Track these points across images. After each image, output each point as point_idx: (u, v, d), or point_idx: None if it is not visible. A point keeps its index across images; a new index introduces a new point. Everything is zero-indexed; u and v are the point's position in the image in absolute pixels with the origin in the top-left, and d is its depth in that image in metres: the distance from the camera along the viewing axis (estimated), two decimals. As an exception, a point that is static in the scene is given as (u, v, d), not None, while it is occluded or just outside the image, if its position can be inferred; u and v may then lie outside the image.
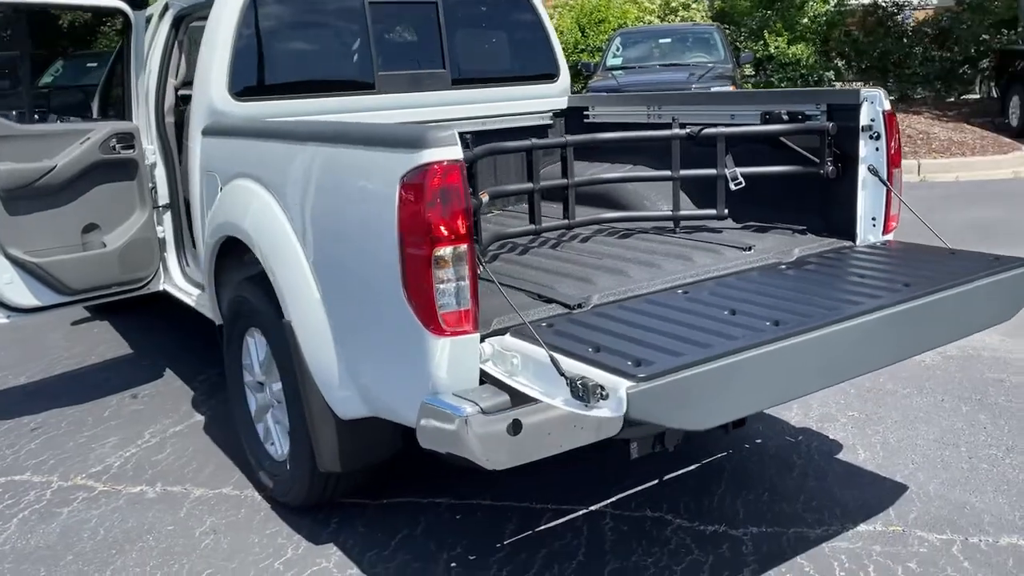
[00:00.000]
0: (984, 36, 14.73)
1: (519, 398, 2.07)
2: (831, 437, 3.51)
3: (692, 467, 3.31)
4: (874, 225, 3.06)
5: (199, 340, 5.07)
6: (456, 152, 2.08)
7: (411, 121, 3.74)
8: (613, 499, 3.10)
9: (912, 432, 3.52)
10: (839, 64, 15.24)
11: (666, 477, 3.24)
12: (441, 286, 2.08)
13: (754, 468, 3.28)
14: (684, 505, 3.03)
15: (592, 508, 3.05)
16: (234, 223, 2.98)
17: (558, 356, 1.97)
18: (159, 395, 4.33)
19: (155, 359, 4.86)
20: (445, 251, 2.07)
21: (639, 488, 3.16)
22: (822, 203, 3.20)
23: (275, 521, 3.07)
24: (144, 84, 4.17)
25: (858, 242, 3.07)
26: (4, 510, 3.27)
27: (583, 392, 1.85)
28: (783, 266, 2.84)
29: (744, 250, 2.99)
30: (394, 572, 2.73)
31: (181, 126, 4.37)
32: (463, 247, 2.09)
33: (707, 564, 2.68)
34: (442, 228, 2.06)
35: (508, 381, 2.12)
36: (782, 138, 3.25)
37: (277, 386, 3.05)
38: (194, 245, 4.21)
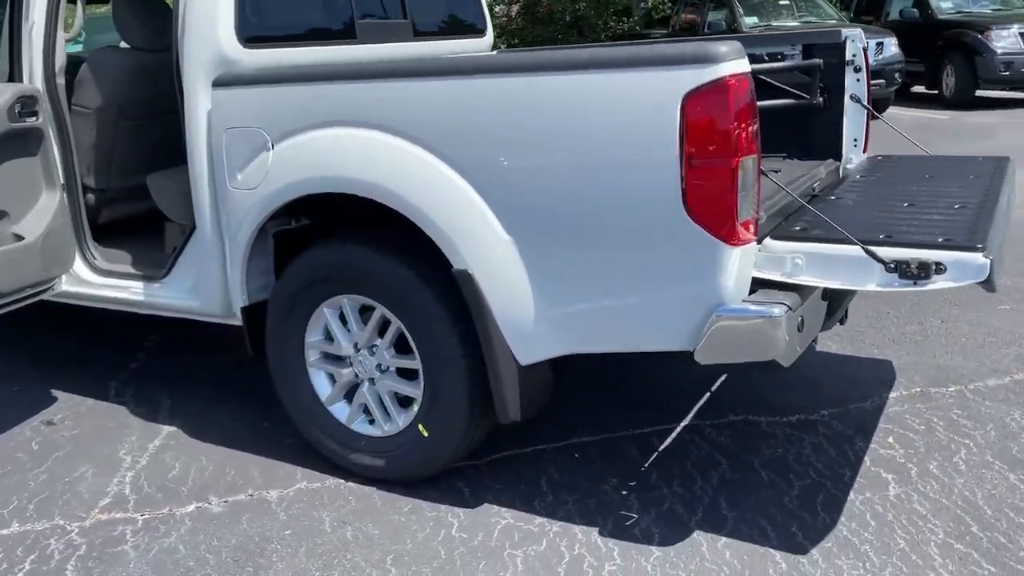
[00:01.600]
0: (610, 23, 16.89)
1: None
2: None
3: (722, 376, 3.66)
4: (855, 145, 3.64)
5: (100, 345, 4.24)
6: (746, 64, 2.17)
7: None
8: (691, 415, 3.34)
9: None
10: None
11: (714, 388, 3.56)
12: (741, 195, 2.16)
13: (776, 370, 3.72)
14: (753, 407, 3.37)
15: (684, 424, 3.26)
16: (340, 176, 2.65)
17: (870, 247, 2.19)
18: (87, 416, 3.58)
19: (46, 376, 3.96)
20: (745, 160, 2.16)
21: (699, 404, 3.44)
22: (804, 131, 3.71)
23: (401, 500, 2.82)
24: (29, 37, 3.38)
25: (843, 162, 3.63)
26: (35, 569, 2.56)
27: (917, 271, 2.10)
28: (855, 177, 3.29)
29: (775, 172, 3.39)
30: (577, 509, 2.71)
31: (71, 89, 3.63)
32: (754, 156, 2.19)
33: (822, 445, 3.06)
34: (742, 138, 2.14)
35: (791, 281, 2.28)
36: (764, 76, 3.69)
37: (386, 355, 2.80)
38: (91, 231, 3.57)
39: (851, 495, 2.73)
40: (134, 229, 4.03)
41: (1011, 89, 12.65)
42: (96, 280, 3.56)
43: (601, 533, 2.59)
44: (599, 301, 2.40)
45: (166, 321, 4.48)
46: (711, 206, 2.18)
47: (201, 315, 3.32)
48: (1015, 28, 12.20)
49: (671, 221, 2.23)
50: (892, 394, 3.44)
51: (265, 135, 2.83)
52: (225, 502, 2.87)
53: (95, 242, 3.68)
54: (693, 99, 2.15)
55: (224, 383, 3.84)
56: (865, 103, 3.58)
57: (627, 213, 2.28)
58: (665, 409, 3.38)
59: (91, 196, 3.77)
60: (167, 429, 3.43)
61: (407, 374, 2.86)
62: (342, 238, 2.81)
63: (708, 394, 3.51)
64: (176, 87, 3.08)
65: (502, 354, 2.54)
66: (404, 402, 2.89)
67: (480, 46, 4.33)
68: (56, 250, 3.35)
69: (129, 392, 3.80)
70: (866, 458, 2.96)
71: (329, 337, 2.98)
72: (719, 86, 2.14)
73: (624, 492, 2.81)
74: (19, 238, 3.21)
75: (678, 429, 3.23)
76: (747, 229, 2.24)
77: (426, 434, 2.76)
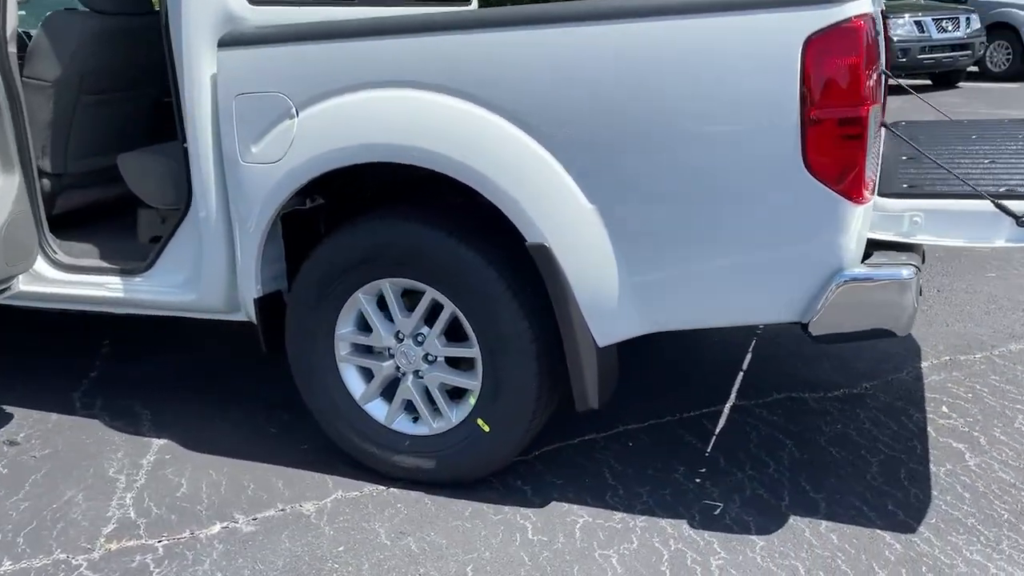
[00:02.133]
0: None
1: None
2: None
3: (748, 356, 3.53)
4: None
5: (46, 354, 3.74)
6: (868, 4, 2.00)
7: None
8: (733, 395, 3.18)
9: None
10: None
11: (744, 367, 3.41)
12: (868, 147, 1.99)
13: (797, 347, 3.61)
14: (793, 384, 3.25)
15: (730, 405, 3.10)
16: (390, 144, 2.34)
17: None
18: (55, 432, 3.13)
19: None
20: (874, 109, 1.99)
21: (737, 384, 3.29)
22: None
23: (457, 504, 2.54)
24: (-26, -4, 2.91)
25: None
26: (44, 612, 2.16)
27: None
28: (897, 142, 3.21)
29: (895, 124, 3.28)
30: (654, 501, 2.50)
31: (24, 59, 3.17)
32: (878, 106, 2.03)
33: (879, 418, 2.96)
34: (868, 85, 1.97)
35: (906, 240, 2.13)
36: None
37: (437, 343, 2.51)
38: (48, 219, 3.14)
39: (932, 468, 2.62)
40: (91, 219, 3.58)
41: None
42: (59, 277, 3.11)
43: (692, 525, 2.39)
44: (696, 270, 2.19)
45: (118, 322, 4.04)
46: (836, 159, 2.01)
47: (195, 311, 2.93)
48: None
49: (787, 176, 2.05)
50: (923, 364, 3.38)
51: (287, 101, 2.48)
52: (254, 520, 2.52)
53: (52, 234, 3.22)
54: (816, 43, 1.97)
55: (207, 388, 3.44)
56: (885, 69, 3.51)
57: (735, 169, 2.08)
58: (700, 392, 3.21)
59: (46, 182, 3.31)
60: (157, 442, 3.02)
61: (457, 365, 2.58)
62: (385, 214, 2.49)
63: (741, 373, 3.36)
64: (166, 50, 2.69)
65: (582, 335, 2.30)
66: (454, 395, 2.61)
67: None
68: (19, 242, 2.89)
69: (97, 403, 3.36)
70: (928, 429, 2.87)
71: (364, 328, 2.66)
72: (844, 29, 1.96)
73: (697, 480, 2.62)
74: (-22, 228, 2.75)
75: (726, 410, 3.06)
76: (867, 186, 2.07)
77: (487, 429, 2.49)
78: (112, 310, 3.12)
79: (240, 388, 3.42)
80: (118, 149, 3.47)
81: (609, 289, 2.26)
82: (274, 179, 2.53)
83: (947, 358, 3.43)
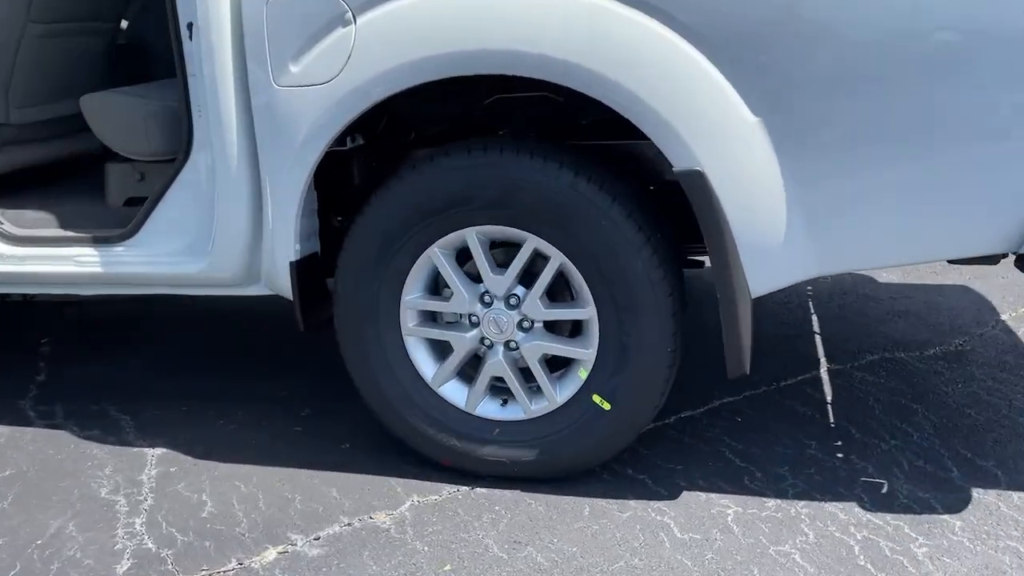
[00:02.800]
0: None
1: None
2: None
3: (813, 318, 3.18)
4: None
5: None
6: None
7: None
8: (823, 360, 2.82)
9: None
10: None
11: (816, 330, 3.07)
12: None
13: (861, 308, 3.29)
14: (877, 344, 2.92)
15: (825, 370, 2.74)
16: (496, 51, 1.82)
17: None
18: (14, 449, 2.47)
19: None
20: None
21: (821, 348, 2.93)
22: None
23: (566, 501, 2.07)
24: None
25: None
26: None
27: None
28: None
29: None
30: (804, 484, 2.09)
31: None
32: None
33: (997, 374, 2.65)
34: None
35: None
36: None
37: (539, 305, 2.03)
38: None
39: (1089, 422, 2.33)
40: (39, 182, 2.90)
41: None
42: (12, 252, 2.46)
43: (865, 508, 2.00)
44: (896, 197, 1.79)
45: (48, 314, 3.37)
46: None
47: (200, 285, 2.35)
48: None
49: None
50: (1004, 316, 3.11)
51: (342, 3, 1.94)
52: (317, 539, 1.97)
53: (-6, 201, 2.55)
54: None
55: (189, 385, 2.83)
56: None
57: (954, 69, 1.69)
58: (784, 358, 2.83)
59: (-17, 135, 2.63)
60: (152, 452, 2.41)
61: (554, 331, 2.11)
62: (476, 146, 1.98)
63: (818, 337, 3.01)
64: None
65: (739, 283, 1.86)
66: (553, 369, 2.13)
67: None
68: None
69: (58, 411, 2.70)
70: (1056, 383, 2.58)
71: (434, 291, 2.15)
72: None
73: (839, 455, 2.23)
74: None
75: (825, 375, 2.69)
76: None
77: (607, 407, 2.02)
78: (85, 290, 2.48)
79: (232, 383, 2.82)
80: (70, 96, 2.81)
81: (776, 225, 1.84)
82: (325, 105, 1.98)
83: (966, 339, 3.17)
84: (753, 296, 1.90)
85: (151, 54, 3.30)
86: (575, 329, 2.11)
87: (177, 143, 2.35)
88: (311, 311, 2.25)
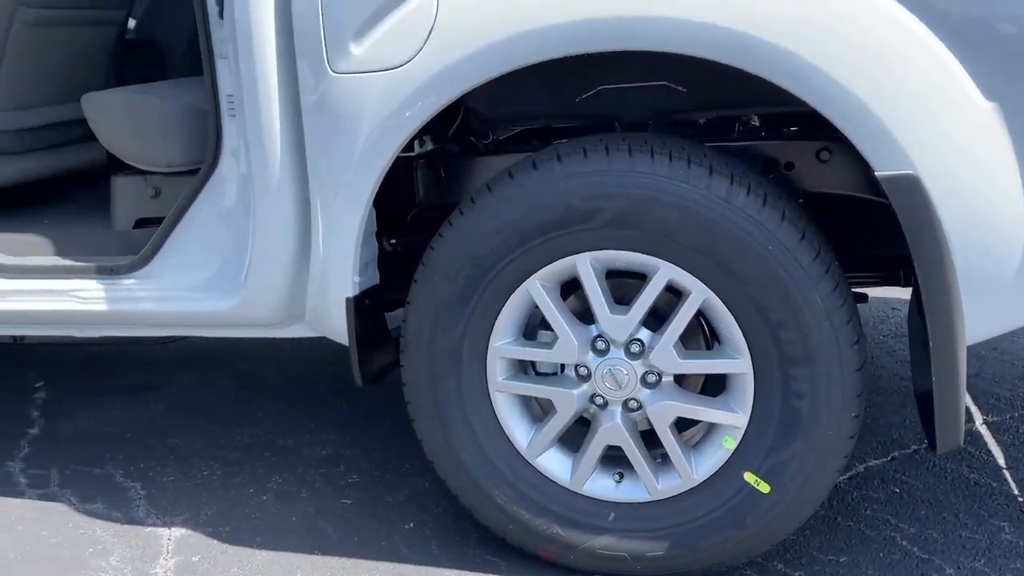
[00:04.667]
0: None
1: None
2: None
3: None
4: None
5: None
6: None
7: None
8: (977, 412, 2.35)
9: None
10: None
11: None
12: None
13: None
14: (1006, 402, 2.44)
15: (981, 423, 2.25)
16: (648, 17, 1.37)
17: None
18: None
19: None
20: None
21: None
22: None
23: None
24: None
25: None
26: None
27: None
28: None
29: None
30: (967, 552, 1.61)
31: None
32: None
33: None
34: None
35: None
36: None
37: (673, 354, 1.55)
38: None
39: None
40: (31, 200, 2.46)
41: None
42: (1, 286, 1.99)
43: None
44: None
45: (47, 353, 2.91)
46: None
47: (228, 324, 1.89)
48: None
49: None
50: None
51: (424, -37, 1.49)
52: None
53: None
54: None
55: (211, 442, 2.35)
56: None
57: None
58: (912, 407, 2.35)
59: (-35, 144, 2.18)
60: (169, 534, 1.94)
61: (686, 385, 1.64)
62: (596, 145, 1.52)
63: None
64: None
65: (959, 327, 1.39)
66: (680, 428, 1.66)
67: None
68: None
69: (54, 477, 2.23)
70: None
71: (530, 335, 1.68)
72: None
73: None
74: None
75: (984, 431, 2.21)
76: None
77: (765, 489, 1.54)
78: (88, 331, 2.02)
79: (264, 437, 2.36)
80: (68, 99, 2.37)
81: (1009, 244, 1.37)
82: (396, 95, 1.53)
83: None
84: (968, 343, 1.43)
85: (166, 54, 2.86)
86: (714, 384, 1.64)
87: (201, 150, 1.90)
88: (369, 358, 1.78)
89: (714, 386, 1.63)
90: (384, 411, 2.44)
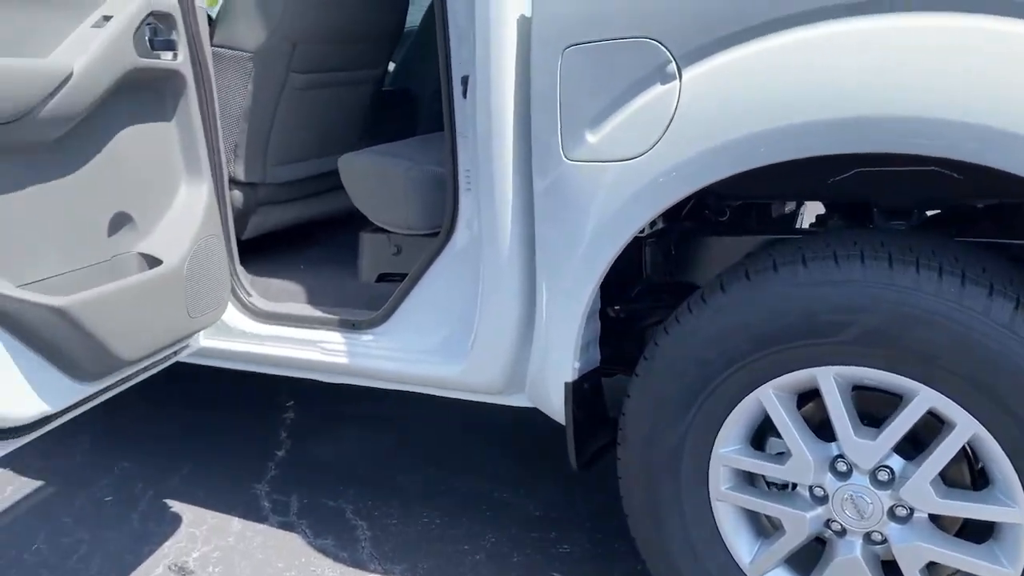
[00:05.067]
0: None
1: None
2: None
3: None
4: None
5: (201, 411, 2.85)
6: None
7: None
8: None
9: None
10: None
11: None
12: None
13: None
14: None
15: None
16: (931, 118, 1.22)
17: None
18: (239, 555, 2.17)
19: (145, 471, 2.56)
20: None
21: None
22: None
23: None
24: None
25: None
26: None
27: None
28: None
29: None
30: None
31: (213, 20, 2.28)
32: None
33: None
34: None
35: None
36: None
37: (929, 492, 1.35)
38: (235, 247, 2.20)
39: None
40: (285, 244, 2.65)
41: None
42: (255, 330, 2.17)
43: None
44: None
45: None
46: None
47: (455, 388, 1.92)
48: None
49: None
50: None
51: (662, 51, 1.41)
52: None
53: (243, 268, 2.29)
54: None
55: (441, 483, 2.42)
56: None
57: None
58: None
59: (237, 194, 2.39)
60: (388, 585, 2.01)
61: (941, 524, 1.43)
62: (849, 250, 1.37)
63: None
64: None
65: None
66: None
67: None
68: (208, 282, 1.95)
69: (293, 504, 2.39)
70: None
71: (759, 444, 1.55)
72: None
73: None
74: (153, 261, 1.82)
75: None
76: None
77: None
78: (328, 379, 2.15)
79: (482, 487, 2.38)
80: (327, 152, 2.54)
81: None
82: (630, 188, 1.46)
83: None
84: None
85: (419, 101, 2.99)
86: (978, 525, 1.42)
87: (439, 216, 1.95)
88: (585, 441, 1.74)
89: (978, 527, 1.41)
90: (603, 476, 2.38)
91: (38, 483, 2.62)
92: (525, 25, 1.57)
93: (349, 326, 2.05)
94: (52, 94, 1.50)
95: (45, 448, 2.79)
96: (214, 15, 2.42)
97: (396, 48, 2.78)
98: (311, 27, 2.26)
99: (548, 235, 1.61)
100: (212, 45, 2.23)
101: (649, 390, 1.55)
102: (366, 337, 2.01)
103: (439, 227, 1.91)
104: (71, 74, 1.54)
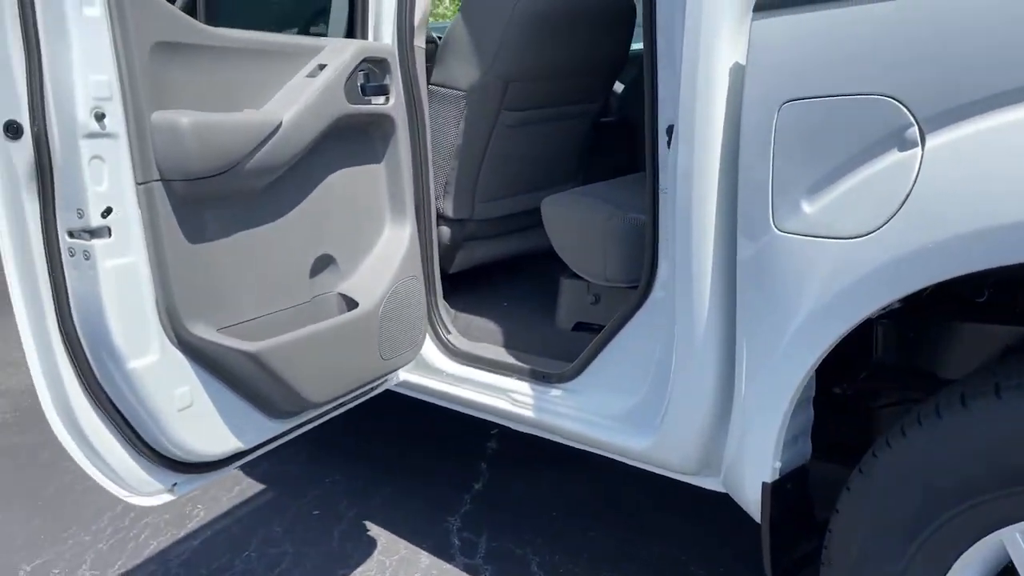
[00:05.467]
0: None
1: None
2: None
3: None
4: None
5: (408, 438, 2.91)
6: None
7: None
8: None
9: None
10: None
11: None
12: None
13: None
14: None
15: None
16: None
17: None
18: (423, 594, 2.16)
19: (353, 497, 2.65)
20: None
21: None
22: None
23: None
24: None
25: None
26: None
27: None
28: None
29: None
30: None
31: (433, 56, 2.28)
32: None
33: None
34: None
35: None
36: None
37: None
38: (439, 284, 2.14)
39: None
40: (483, 278, 2.62)
41: None
42: (451, 370, 2.14)
43: None
44: None
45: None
46: None
47: (641, 460, 1.76)
48: None
49: None
50: None
51: (903, 112, 1.17)
52: None
53: (446, 303, 2.27)
54: None
55: (626, 546, 2.26)
56: None
57: None
58: None
59: (445, 230, 2.38)
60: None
61: None
62: None
63: None
64: (648, 28, 1.56)
65: None
66: None
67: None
68: (403, 325, 1.94)
69: (481, 547, 2.35)
70: None
71: (1000, 591, 1.26)
72: None
73: None
74: (349, 303, 1.84)
75: None
76: None
77: None
78: (515, 427, 2.08)
79: (667, 561, 2.20)
80: (537, 188, 2.47)
81: None
82: (856, 270, 1.23)
83: None
84: None
85: (636, 131, 2.85)
86: None
87: (639, 270, 1.81)
88: (786, 546, 1.52)
89: None
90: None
91: (261, 487, 2.79)
92: (738, 74, 1.39)
93: (540, 377, 1.96)
94: (260, 145, 1.53)
95: (274, 451, 2.98)
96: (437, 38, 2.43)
97: (618, 76, 2.66)
98: (525, 66, 2.19)
99: (752, 308, 1.42)
100: (430, 84, 2.24)
101: (863, 510, 1.31)
102: (555, 392, 1.92)
103: (639, 281, 1.77)
104: (279, 125, 1.57)
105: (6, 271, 1.38)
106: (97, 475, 1.48)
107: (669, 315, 1.66)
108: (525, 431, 2.06)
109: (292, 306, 1.69)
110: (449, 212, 2.33)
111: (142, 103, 1.38)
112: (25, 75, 1.30)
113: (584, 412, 1.84)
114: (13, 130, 1.32)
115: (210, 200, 1.50)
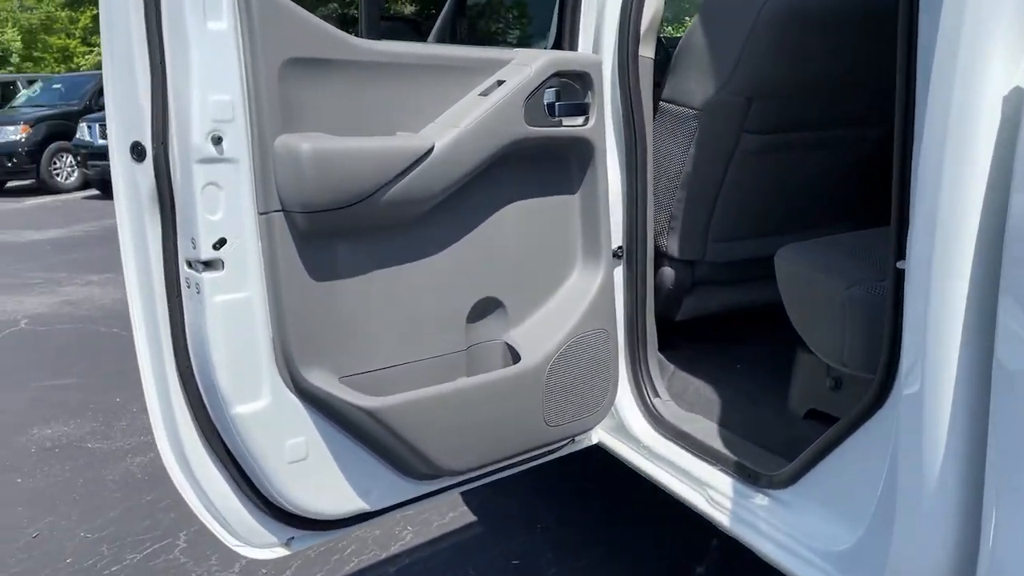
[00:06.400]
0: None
1: None
2: None
3: None
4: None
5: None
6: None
7: None
8: None
9: None
10: None
11: None
12: None
13: None
14: None
15: None
16: None
17: None
18: None
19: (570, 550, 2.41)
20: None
21: None
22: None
23: None
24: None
25: None
26: None
27: None
28: None
29: None
30: None
31: (665, 66, 1.93)
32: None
33: None
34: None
35: None
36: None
37: None
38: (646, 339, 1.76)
39: None
40: (709, 332, 2.20)
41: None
42: (649, 442, 1.80)
43: None
44: None
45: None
46: None
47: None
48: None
49: None
50: None
51: None
52: None
53: (663, 357, 1.92)
54: None
55: None
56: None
57: None
58: None
59: (669, 272, 2.03)
60: None
61: None
62: None
63: None
64: (901, 42, 1.11)
65: None
66: None
67: None
68: (580, 384, 1.64)
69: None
70: None
71: None
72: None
73: None
74: (516, 356, 1.58)
75: None
76: None
77: None
78: (716, 523, 1.68)
79: None
80: (787, 230, 2.02)
81: None
82: None
83: None
84: None
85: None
86: None
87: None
88: None
89: None
90: None
91: (473, 518, 2.65)
92: (1016, 106, 0.91)
93: (747, 476, 1.55)
94: (402, 174, 1.34)
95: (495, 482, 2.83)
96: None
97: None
98: (773, 79, 1.76)
99: (1012, 446, 0.93)
100: (662, 100, 1.90)
101: None
102: (760, 499, 1.50)
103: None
104: (429, 151, 1.37)
105: (128, 298, 1.32)
106: (207, 518, 1.39)
107: (914, 427, 1.18)
108: (721, 529, 1.67)
109: (439, 355, 1.48)
110: (674, 252, 1.98)
111: (266, 126, 1.24)
112: (149, 94, 1.23)
113: (790, 536, 1.41)
114: (138, 152, 1.25)
115: (341, 233, 1.34)
